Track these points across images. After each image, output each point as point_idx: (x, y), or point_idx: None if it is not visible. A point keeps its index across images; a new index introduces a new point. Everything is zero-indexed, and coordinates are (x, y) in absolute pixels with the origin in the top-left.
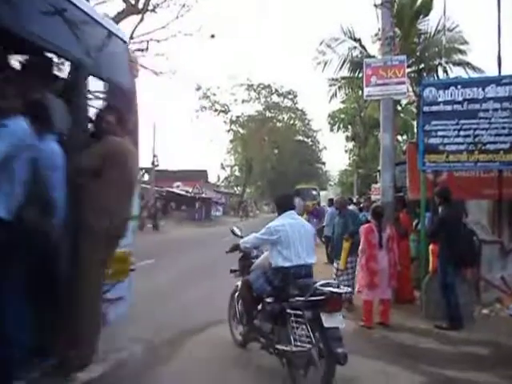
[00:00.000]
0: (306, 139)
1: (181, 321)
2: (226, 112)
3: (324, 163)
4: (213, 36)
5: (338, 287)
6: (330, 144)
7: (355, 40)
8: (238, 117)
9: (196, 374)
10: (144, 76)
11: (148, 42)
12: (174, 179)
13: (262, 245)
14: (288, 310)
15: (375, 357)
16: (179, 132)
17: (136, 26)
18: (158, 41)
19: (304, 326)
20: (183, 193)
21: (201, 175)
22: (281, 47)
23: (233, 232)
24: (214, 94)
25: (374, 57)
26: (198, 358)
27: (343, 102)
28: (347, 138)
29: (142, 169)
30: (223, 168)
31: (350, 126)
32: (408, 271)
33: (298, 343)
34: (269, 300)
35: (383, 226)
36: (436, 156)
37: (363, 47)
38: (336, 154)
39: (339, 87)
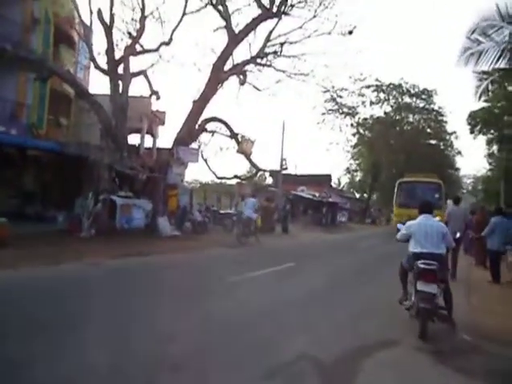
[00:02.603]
0: (438, 142)
1: (347, 335)
2: (353, 115)
3: (458, 169)
4: (351, 32)
5: (432, 265)
6: (465, 147)
7: None
8: (365, 119)
9: None
10: (276, 78)
11: (282, 44)
12: (299, 183)
13: (404, 236)
14: (411, 278)
15: None
16: (304, 135)
17: (272, 30)
18: (291, 43)
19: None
20: (310, 197)
21: (325, 180)
22: (411, 42)
23: (398, 229)
24: (341, 97)
25: None
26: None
27: (486, 100)
28: (490, 141)
29: (266, 171)
30: (349, 172)
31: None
32: None
33: (411, 301)
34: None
35: None
36: None
37: None
38: (470, 158)
39: (492, 82)
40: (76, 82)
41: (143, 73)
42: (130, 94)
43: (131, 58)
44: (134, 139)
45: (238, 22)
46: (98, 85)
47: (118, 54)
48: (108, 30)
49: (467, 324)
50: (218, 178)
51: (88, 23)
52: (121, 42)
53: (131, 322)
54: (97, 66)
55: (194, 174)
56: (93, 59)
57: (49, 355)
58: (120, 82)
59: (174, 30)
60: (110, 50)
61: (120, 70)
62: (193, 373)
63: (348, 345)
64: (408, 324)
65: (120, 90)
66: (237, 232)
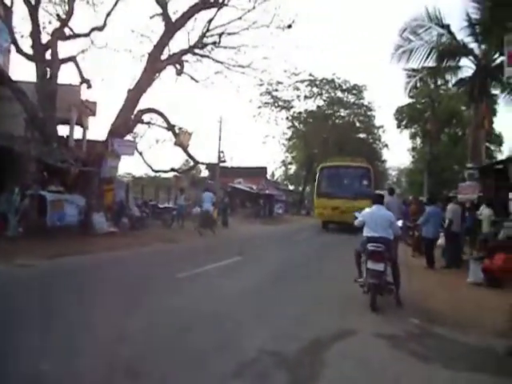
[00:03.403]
0: (367, 136)
1: (303, 327)
2: (288, 108)
3: (384, 161)
4: (290, 26)
5: (379, 247)
6: (391, 141)
7: (443, 26)
8: (299, 113)
9: None
10: (214, 70)
11: (221, 35)
12: (235, 175)
13: (360, 223)
14: (364, 259)
15: None
16: (239, 128)
17: (211, 20)
18: (230, 34)
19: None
20: (248, 189)
21: (260, 172)
22: (344, 38)
23: (355, 216)
24: (277, 90)
25: (465, 44)
26: (346, 376)
27: (412, 96)
28: (414, 135)
29: (204, 164)
30: (284, 165)
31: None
32: None
33: (363, 278)
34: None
35: None
36: None
37: (452, 34)
38: (394, 151)
39: (420, 78)
40: None
41: (73, 59)
42: (58, 81)
43: (60, 43)
44: (62, 130)
45: (177, 10)
46: (22, 71)
47: (45, 38)
48: (33, 10)
49: (411, 306)
50: (154, 171)
51: (8, 2)
52: (48, 25)
53: (72, 328)
54: (19, 51)
55: (127, 167)
56: (14, 42)
57: None
58: (47, 69)
59: (107, 15)
60: (35, 33)
61: (48, 55)
62: (145, 377)
63: (306, 337)
64: (361, 306)
65: (48, 77)
66: (194, 224)
